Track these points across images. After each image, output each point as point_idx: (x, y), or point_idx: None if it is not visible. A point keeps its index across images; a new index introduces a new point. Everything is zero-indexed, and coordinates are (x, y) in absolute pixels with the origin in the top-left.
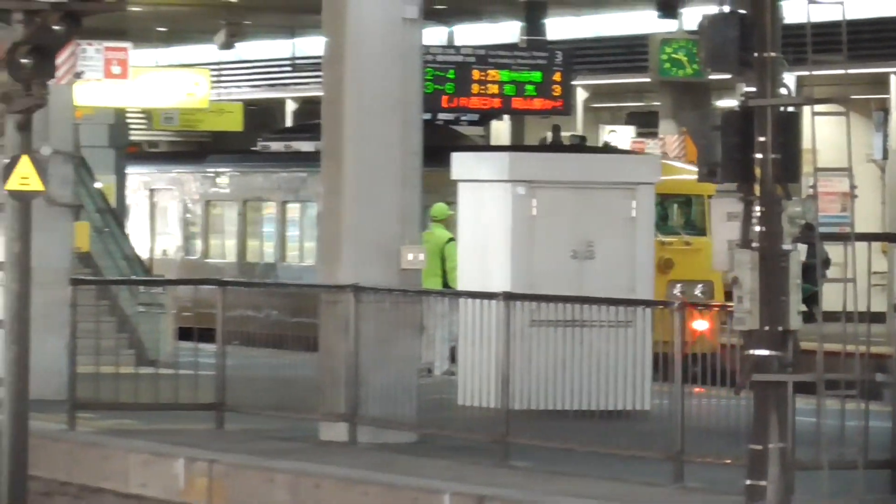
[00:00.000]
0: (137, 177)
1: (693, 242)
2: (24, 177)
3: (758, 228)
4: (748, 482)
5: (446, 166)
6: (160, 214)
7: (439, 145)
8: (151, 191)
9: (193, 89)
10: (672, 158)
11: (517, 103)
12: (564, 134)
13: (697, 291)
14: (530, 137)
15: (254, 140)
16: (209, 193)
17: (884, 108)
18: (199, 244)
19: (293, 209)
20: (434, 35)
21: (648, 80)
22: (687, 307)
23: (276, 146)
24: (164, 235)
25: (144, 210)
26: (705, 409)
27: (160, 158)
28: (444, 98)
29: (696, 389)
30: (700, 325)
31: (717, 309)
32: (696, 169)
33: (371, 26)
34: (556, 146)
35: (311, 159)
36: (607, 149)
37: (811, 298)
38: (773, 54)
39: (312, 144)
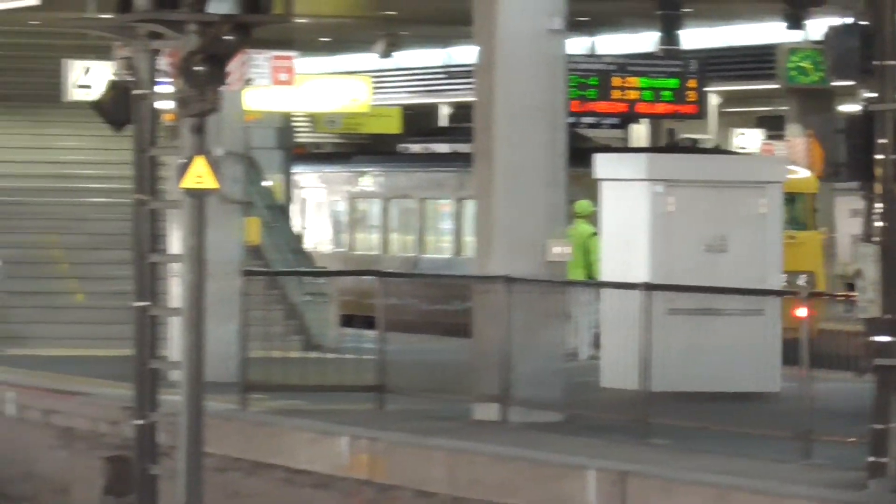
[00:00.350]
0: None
1: (797, 236)
2: (199, 176)
3: (879, 224)
4: (870, 459)
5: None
6: (313, 211)
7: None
8: (304, 189)
9: (355, 95)
10: (797, 160)
11: (654, 108)
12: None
13: (801, 281)
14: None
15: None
16: (354, 192)
17: None
18: (345, 238)
19: (431, 206)
20: (577, 45)
21: (776, 86)
22: (813, 297)
23: (414, 148)
24: (315, 229)
25: (297, 206)
26: (831, 390)
27: (312, 159)
28: (587, 103)
29: (801, 371)
30: (801, 312)
31: (843, 298)
32: (799, 169)
33: (520, 37)
34: (671, 148)
35: (446, 160)
36: (717, 150)
37: None
38: (892, 62)
39: (448, 146)
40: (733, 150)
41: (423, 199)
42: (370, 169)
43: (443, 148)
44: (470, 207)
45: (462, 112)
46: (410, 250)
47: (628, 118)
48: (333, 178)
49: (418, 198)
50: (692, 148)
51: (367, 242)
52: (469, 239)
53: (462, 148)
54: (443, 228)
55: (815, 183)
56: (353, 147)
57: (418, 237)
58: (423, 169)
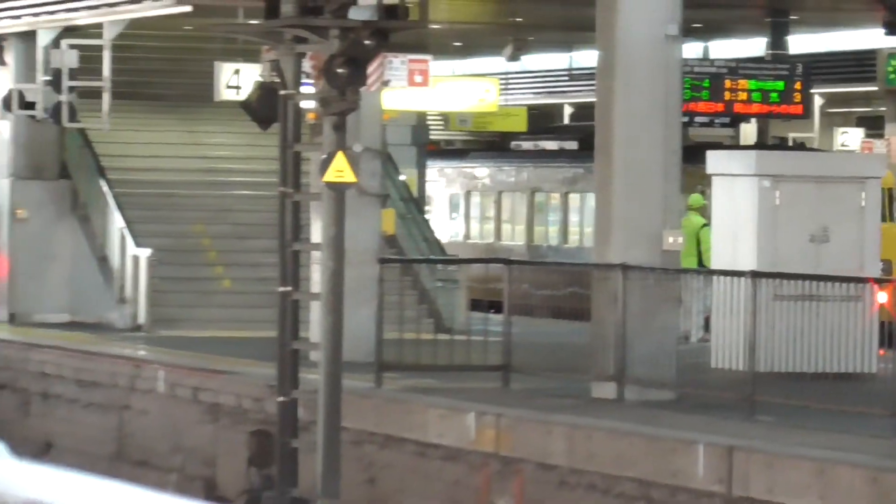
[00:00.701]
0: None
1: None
2: (339, 170)
3: None
4: None
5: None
6: (429, 202)
7: None
8: (434, 182)
9: (484, 95)
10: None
11: (762, 108)
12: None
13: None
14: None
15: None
16: (469, 185)
17: None
18: (458, 227)
19: (540, 198)
20: (692, 49)
21: (876, 88)
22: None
23: (526, 145)
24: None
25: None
26: None
27: (440, 155)
28: (700, 104)
29: (880, 352)
30: (882, 297)
31: None
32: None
33: (638, 42)
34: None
35: (553, 156)
36: (802, 146)
37: None
38: None
39: (556, 144)
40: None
41: (533, 190)
42: (488, 164)
43: (551, 145)
44: (574, 200)
45: (584, 112)
46: (519, 239)
47: (738, 118)
48: (456, 173)
49: (528, 190)
50: (798, 146)
51: (479, 231)
52: (573, 229)
53: (568, 145)
54: (551, 219)
55: (892, 178)
56: (480, 144)
57: (528, 227)
58: (532, 164)
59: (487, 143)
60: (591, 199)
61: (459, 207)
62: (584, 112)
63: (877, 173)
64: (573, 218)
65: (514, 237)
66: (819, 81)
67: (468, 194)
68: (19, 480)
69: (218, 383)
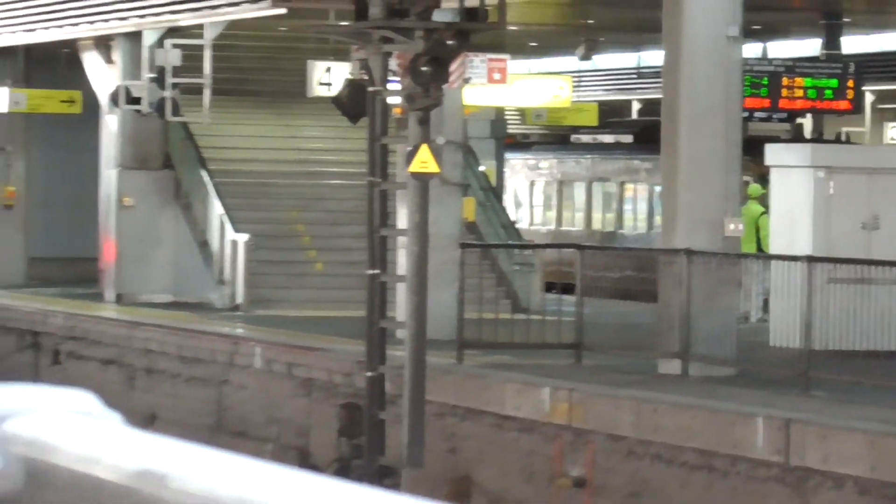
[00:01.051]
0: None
1: None
2: (424, 161)
3: None
4: None
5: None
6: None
7: None
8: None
9: (558, 92)
10: None
11: (817, 105)
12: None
13: None
14: (827, 132)
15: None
16: (532, 175)
17: None
18: (524, 214)
19: (597, 188)
20: (751, 50)
21: None
22: None
23: (585, 138)
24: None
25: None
26: None
27: (514, 148)
28: (759, 100)
29: None
30: None
31: None
32: None
33: (702, 42)
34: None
35: (610, 148)
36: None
37: None
38: None
39: (611, 137)
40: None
41: (591, 180)
42: (549, 156)
43: (607, 139)
44: (629, 190)
45: (651, 108)
46: (578, 225)
47: (794, 114)
48: (522, 164)
49: (587, 180)
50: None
51: (543, 218)
52: (628, 216)
53: (623, 138)
54: (608, 207)
55: None
56: (543, 137)
57: (586, 214)
58: (591, 156)
59: (549, 137)
60: (643, 188)
61: (526, 196)
62: (651, 108)
63: None
64: (627, 206)
65: (573, 223)
66: (870, 79)
67: (532, 184)
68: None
69: (311, 359)
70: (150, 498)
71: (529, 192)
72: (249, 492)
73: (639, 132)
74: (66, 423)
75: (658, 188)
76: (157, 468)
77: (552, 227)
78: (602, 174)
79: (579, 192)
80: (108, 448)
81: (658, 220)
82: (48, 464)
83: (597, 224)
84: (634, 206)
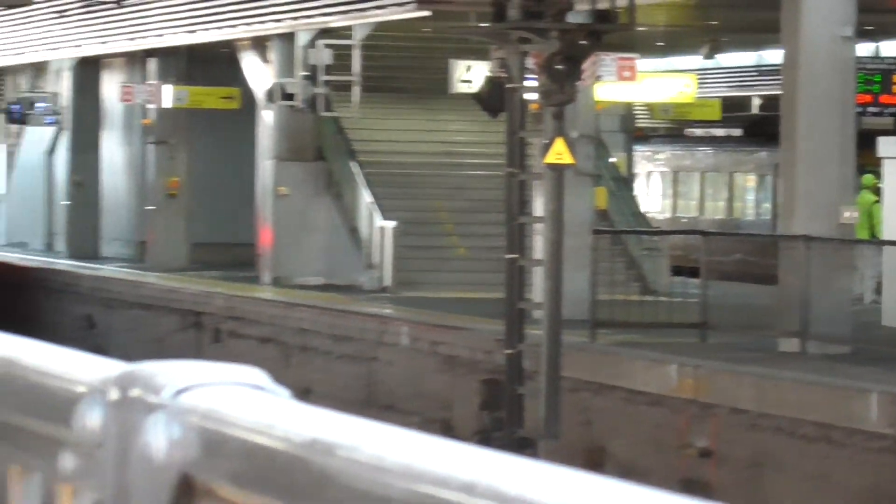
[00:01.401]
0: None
1: None
2: (559, 153)
3: None
4: None
5: None
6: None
7: None
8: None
9: (683, 88)
10: None
11: None
12: None
13: None
14: None
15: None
16: (650, 167)
17: None
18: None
19: (710, 178)
20: (864, 49)
21: None
22: None
23: (698, 132)
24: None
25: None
26: None
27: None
28: (872, 96)
29: None
30: None
31: None
32: None
33: (818, 42)
34: None
35: (721, 142)
36: None
37: None
38: None
39: (723, 131)
40: None
41: (704, 171)
42: (665, 148)
43: (719, 132)
44: (738, 180)
45: (770, 103)
46: (693, 212)
47: None
48: (639, 156)
49: (700, 171)
50: None
51: (660, 206)
52: (738, 204)
53: (734, 132)
54: (718, 196)
55: None
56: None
57: (699, 203)
58: (704, 148)
59: (664, 130)
60: (751, 179)
61: (644, 186)
62: (770, 104)
63: None
64: (737, 195)
65: (687, 211)
66: None
67: (649, 174)
68: (303, 420)
69: (454, 338)
70: (319, 466)
71: (647, 182)
72: (414, 460)
73: (747, 126)
74: (239, 396)
75: (765, 178)
76: (326, 438)
77: (668, 215)
78: (713, 165)
79: (693, 182)
80: (278, 419)
81: (764, 207)
82: (222, 434)
83: (709, 212)
84: (744, 195)
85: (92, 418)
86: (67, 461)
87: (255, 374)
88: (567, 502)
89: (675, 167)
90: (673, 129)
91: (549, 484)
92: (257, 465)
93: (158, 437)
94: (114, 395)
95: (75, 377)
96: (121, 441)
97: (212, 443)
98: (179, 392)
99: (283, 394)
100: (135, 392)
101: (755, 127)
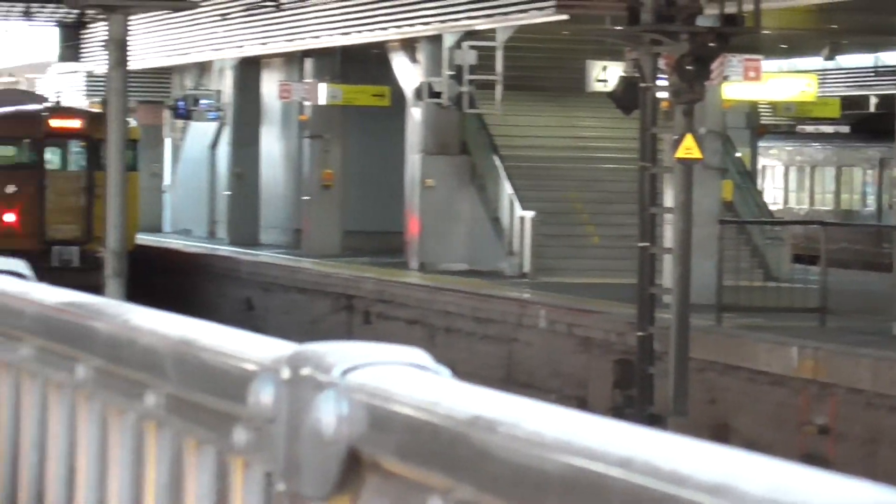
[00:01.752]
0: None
1: None
2: (688, 148)
3: None
4: None
5: None
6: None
7: None
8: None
9: (805, 88)
10: None
11: None
12: None
13: None
14: None
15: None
16: (764, 160)
17: None
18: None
19: (819, 172)
20: None
21: None
22: None
23: (808, 129)
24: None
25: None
26: None
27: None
28: None
29: None
30: None
31: None
32: None
33: None
34: None
35: (829, 139)
36: None
37: None
38: None
39: (832, 128)
40: None
41: (813, 166)
42: (774, 144)
43: (827, 129)
44: (845, 174)
45: (888, 101)
46: (803, 203)
47: None
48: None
49: (810, 165)
50: None
51: (774, 198)
52: (845, 196)
53: (841, 129)
54: (827, 188)
55: None
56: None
57: (809, 196)
58: (812, 145)
59: (774, 126)
60: (857, 172)
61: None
62: (888, 101)
63: None
64: (844, 187)
65: (799, 202)
66: None
67: (763, 169)
68: (464, 398)
69: (589, 320)
70: (481, 442)
71: (760, 176)
72: (572, 436)
73: (854, 124)
74: (403, 375)
75: (870, 172)
76: (487, 415)
77: (780, 206)
78: (823, 160)
79: (804, 175)
80: (441, 397)
81: (869, 200)
82: (388, 411)
83: (818, 203)
84: (851, 187)
85: (265, 395)
86: (240, 435)
87: (418, 355)
88: (722, 479)
89: (787, 161)
90: (785, 126)
91: (702, 460)
92: (421, 440)
93: (328, 414)
94: (285, 373)
95: (249, 357)
96: (292, 417)
97: (378, 419)
98: (347, 371)
99: (444, 373)
100: (306, 371)
101: (863, 124)
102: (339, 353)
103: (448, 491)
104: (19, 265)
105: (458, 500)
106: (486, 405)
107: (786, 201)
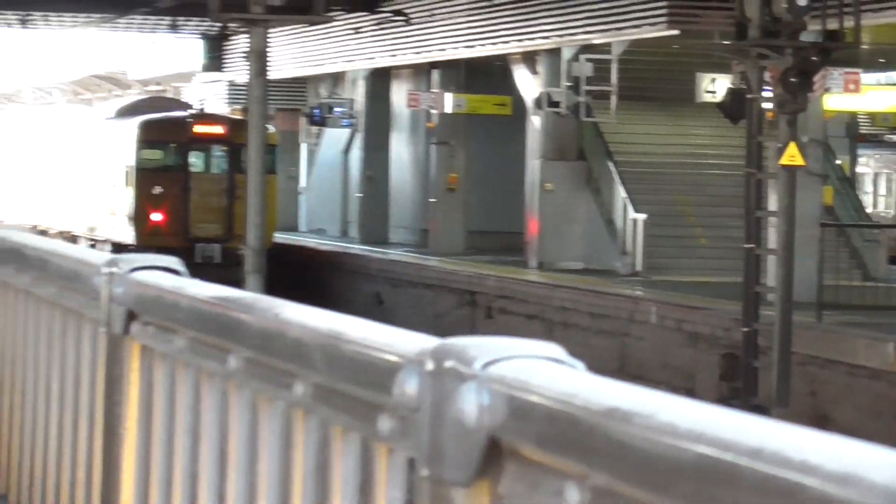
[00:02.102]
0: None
1: None
2: (792, 156)
3: None
4: None
5: None
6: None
7: None
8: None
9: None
10: None
11: None
12: None
13: None
14: None
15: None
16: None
17: None
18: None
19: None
20: None
21: None
22: None
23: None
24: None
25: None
26: None
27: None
28: None
29: None
30: None
31: None
32: None
33: None
34: None
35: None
36: None
37: None
38: None
39: None
40: None
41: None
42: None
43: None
44: None
45: None
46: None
47: None
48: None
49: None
50: None
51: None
52: None
53: None
54: (878, 190)
55: None
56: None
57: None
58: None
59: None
60: None
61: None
62: None
63: None
64: None
65: (885, 207)
66: None
67: (859, 176)
68: (600, 390)
69: (697, 317)
70: (618, 433)
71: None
72: (705, 427)
73: None
74: (540, 368)
75: None
76: (623, 406)
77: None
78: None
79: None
80: (578, 389)
81: None
82: (527, 401)
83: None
84: None
85: (410, 386)
86: (385, 423)
87: (554, 349)
88: (849, 470)
89: (875, 168)
90: (874, 135)
91: (830, 451)
92: (559, 430)
93: (470, 404)
94: (429, 365)
95: (395, 349)
96: (435, 407)
97: (518, 409)
98: (488, 364)
99: (579, 366)
100: (449, 363)
101: None
102: (479, 347)
103: (583, 478)
104: (174, 262)
105: (593, 486)
106: (622, 397)
107: (874, 205)
